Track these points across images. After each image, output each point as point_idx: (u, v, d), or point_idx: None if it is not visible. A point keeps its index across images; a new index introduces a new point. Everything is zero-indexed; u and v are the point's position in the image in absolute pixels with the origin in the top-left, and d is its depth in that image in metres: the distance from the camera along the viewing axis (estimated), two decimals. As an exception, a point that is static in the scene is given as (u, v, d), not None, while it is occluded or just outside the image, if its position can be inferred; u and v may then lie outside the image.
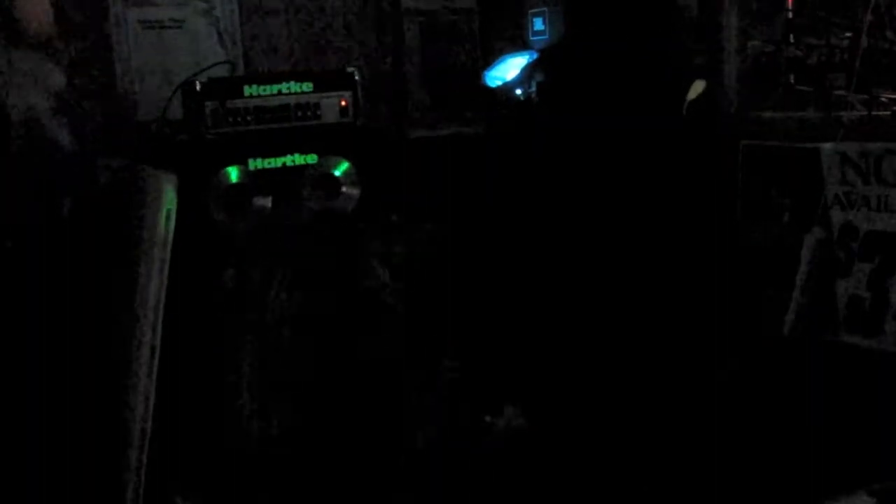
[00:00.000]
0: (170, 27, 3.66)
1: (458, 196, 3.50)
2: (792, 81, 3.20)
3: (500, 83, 4.18)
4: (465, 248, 3.22)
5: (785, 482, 1.97)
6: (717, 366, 2.39)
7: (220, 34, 3.74)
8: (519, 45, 4.26)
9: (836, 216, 2.51)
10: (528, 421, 1.37)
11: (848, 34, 3.15)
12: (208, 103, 3.06)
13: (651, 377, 2.33)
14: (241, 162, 3.10)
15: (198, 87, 3.06)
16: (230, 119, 3.09)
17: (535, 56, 4.12)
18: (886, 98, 2.92)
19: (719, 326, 2.52)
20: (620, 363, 2.28)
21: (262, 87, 3.14)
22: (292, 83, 3.19)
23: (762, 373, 2.35)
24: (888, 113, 2.81)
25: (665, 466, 2.08)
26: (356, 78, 3.29)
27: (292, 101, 3.19)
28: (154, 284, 2.37)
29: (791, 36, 3.27)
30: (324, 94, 3.24)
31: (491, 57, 4.25)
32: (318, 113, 3.23)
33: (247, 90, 3.12)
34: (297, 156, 3.19)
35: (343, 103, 3.26)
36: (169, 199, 2.62)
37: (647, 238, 2.60)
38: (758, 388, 2.30)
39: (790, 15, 3.29)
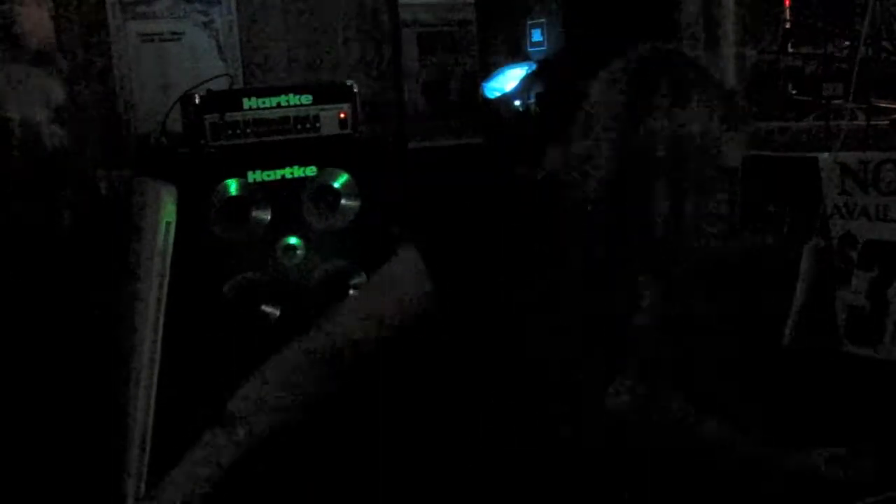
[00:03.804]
0: (169, 40, 3.67)
1: (457, 207, 3.49)
2: (790, 91, 3.21)
3: (498, 94, 4.19)
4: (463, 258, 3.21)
5: (782, 494, 1.96)
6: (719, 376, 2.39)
7: (219, 47, 3.75)
8: (517, 56, 4.27)
9: (836, 225, 2.51)
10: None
11: (846, 44, 3.16)
12: (208, 116, 3.06)
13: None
14: (240, 174, 3.10)
15: (197, 100, 3.06)
16: (229, 132, 3.09)
17: (534, 67, 4.14)
18: (885, 107, 2.93)
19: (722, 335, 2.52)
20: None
21: (261, 100, 3.15)
22: (291, 96, 3.19)
23: (763, 381, 2.35)
24: (886, 122, 2.82)
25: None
26: (355, 90, 3.29)
27: (291, 113, 3.19)
28: (153, 296, 2.38)
29: (789, 46, 3.28)
30: (323, 107, 3.24)
31: (489, 68, 4.27)
32: (318, 125, 3.23)
33: (246, 103, 3.13)
34: (296, 168, 3.19)
35: (342, 115, 3.26)
36: (168, 211, 2.63)
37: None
38: (757, 397, 2.30)
39: (788, 25, 3.30)
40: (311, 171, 3.21)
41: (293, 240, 3.21)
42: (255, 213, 3.13)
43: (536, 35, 4.23)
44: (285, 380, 1.52)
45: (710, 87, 1.52)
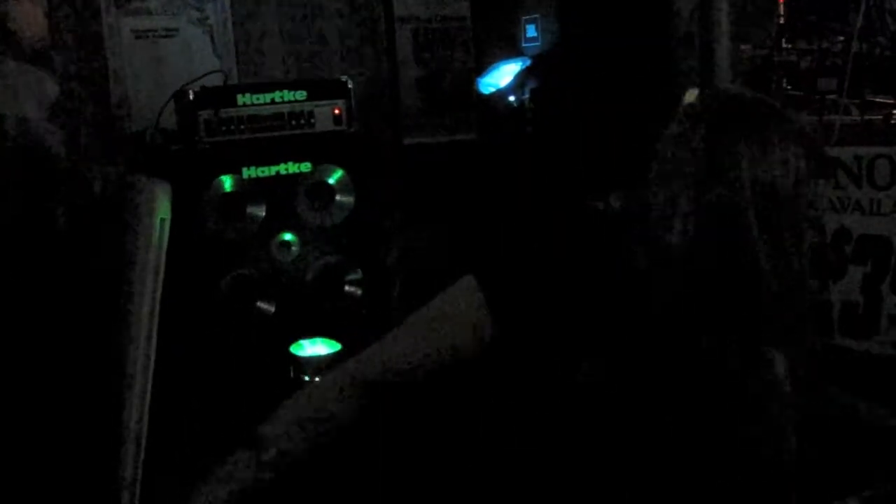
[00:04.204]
0: (163, 36, 3.66)
1: (452, 202, 3.51)
2: (784, 86, 3.21)
3: (493, 90, 4.20)
4: (459, 252, 3.23)
5: (776, 489, 1.96)
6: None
7: (213, 43, 3.74)
8: (512, 52, 4.27)
9: (830, 220, 2.52)
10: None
11: (840, 38, 3.16)
12: (202, 112, 3.06)
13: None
14: (234, 171, 3.10)
15: (191, 96, 3.06)
16: (224, 128, 3.09)
17: (528, 63, 4.14)
18: (879, 102, 2.93)
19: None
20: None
21: (255, 96, 3.14)
22: (286, 91, 3.19)
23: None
24: (880, 117, 2.82)
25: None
26: (350, 86, 3.29)
27: (286, 109, 3.19)
28: (148, 293, 2.37)
29: (783, 40, 3.28)
30: (317, 103, 3.24)
31: (484, 64, 4.26)
32: (312, 121, 3.23)
33: (240, 99, 3.12)
34: (290, 164, 3.19)
35: (337, 111, 3.26)
36: (163, 208, 2.62)
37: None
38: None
39: (782, 19, 3.30)
40: (305, 167, 3.21)
41: (288, 236, 3.21)
42: (249, 210, 3.13)
43: (531, 31, 4.23)
44: (321, 405, 1.48)
45: (790, 128, 1.39)
